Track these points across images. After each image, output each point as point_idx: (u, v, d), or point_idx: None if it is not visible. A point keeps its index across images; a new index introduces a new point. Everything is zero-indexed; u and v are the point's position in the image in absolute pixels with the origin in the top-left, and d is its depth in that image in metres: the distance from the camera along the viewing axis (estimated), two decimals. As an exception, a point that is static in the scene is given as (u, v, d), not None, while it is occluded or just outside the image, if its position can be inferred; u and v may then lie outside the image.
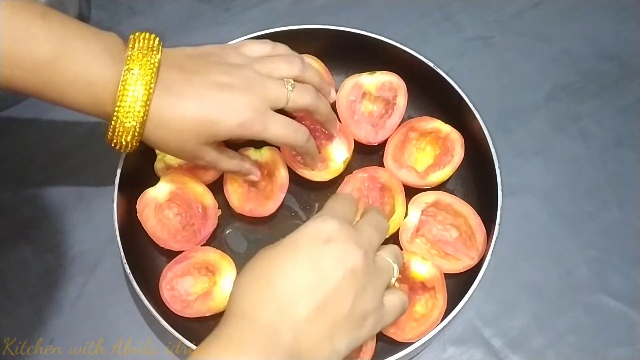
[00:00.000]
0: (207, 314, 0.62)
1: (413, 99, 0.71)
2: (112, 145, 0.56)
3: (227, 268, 0.63)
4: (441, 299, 0.61)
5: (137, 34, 0.55)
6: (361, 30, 0.70)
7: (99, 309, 0.66)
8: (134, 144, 0.55)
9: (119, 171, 0.64)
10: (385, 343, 0.61)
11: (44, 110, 0.75)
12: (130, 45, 0.53)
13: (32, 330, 0.65)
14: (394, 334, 0.61)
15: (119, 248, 0.61)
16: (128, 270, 0.60)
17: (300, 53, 0.72)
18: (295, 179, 0.68)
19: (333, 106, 0.71)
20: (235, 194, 0.68)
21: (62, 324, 0.66)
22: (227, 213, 0.68)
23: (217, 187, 0.68)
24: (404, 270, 0.63)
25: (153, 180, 0.67)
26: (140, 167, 0.68)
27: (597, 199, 0.71)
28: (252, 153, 0.68)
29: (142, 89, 0.52)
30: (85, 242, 0.69)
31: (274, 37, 0.69)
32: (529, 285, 0.67)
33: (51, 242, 0.69)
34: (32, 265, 0.68)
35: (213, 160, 0.59)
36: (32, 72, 0.50)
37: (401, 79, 0.70)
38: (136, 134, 0.54)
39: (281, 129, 0.58)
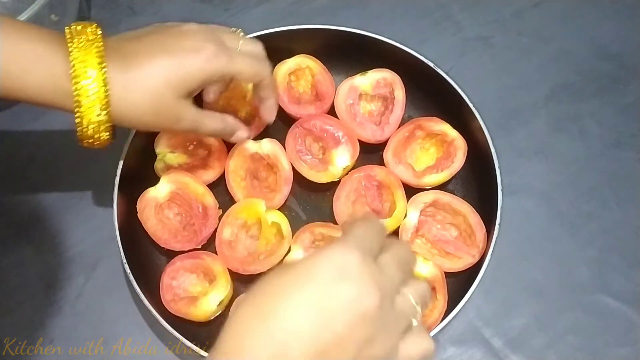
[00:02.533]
0: (185, 318, 0.61)
1: (413, 99, 0.71)
2: (87, 143, 0.55)
3: (222, 284, 0.62)
4: (441, 299, 0.61)
5: (72, 27, 0.53)
6: (361, 30, 0.70)
7: (99, 309, 0.66)
8: (106, 137, 0.54)
9: (119, 171, 0.64)
10: (386, 343, 0.61)
11: (43, 110, 0.75)
12: (69, 39, 0.52)
13: (32, 330, 0.65)
14: (394, 334, 0.61)
15: (119, 248, 0.61)
16: (128, 270, 0.60)
17: (300, 53, 0.72)
18: (295, 179, 0.68)
19: (332, 111, 0.71)
20: (239, 188, 0.67)
21: (62, 324, 0.65)
22: (228, 213, 0.68)
23: (217, 187, 0.68)
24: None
25: (153, 180, 0.67)
26: (140, 167, 0.68)
27: (597, 199, 0.71)
28: (252, 145, 0.68)
29: (94, 74, 0.51)
30: (85, 242, 0.69)
31: (274, 37, 0.69)
32: (529, 285, 0.67)
33: (51, 242, 0.69)
34: (32, 265, 0.68)
35: (194, 119, 0.57)
36: None
37: (395, 74, 0.70)
38: (104, 115, 0.52)
39: (246, 60, 0.58)
